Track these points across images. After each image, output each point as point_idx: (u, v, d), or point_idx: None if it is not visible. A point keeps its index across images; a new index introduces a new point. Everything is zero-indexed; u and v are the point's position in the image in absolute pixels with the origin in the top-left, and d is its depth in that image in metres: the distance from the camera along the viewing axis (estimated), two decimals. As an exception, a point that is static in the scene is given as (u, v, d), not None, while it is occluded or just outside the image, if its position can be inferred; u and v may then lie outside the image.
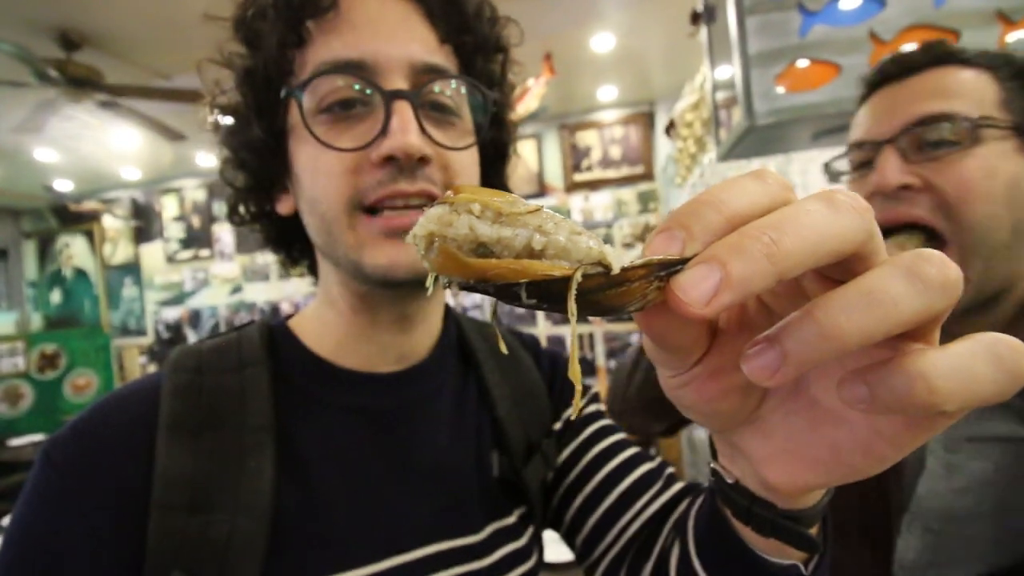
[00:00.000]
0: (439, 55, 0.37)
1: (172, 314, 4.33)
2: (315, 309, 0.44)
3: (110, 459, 0.33)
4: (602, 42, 2.54)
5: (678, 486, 0.46)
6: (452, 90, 0.38)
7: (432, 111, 0.37)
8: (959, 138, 0.47)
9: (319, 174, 0.36)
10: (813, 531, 0.26)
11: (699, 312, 0.15)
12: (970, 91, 0.48)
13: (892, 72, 0.52)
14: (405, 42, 0.36)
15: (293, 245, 0.44)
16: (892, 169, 0.48)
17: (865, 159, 0.52)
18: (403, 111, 0.35)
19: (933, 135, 0.47)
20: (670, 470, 0.48)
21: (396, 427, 0.42)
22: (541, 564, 0.47)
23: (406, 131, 0.34)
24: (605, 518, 0.45)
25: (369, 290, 0.39)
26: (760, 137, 1.00)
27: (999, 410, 0.50)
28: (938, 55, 0.51)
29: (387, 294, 0.39)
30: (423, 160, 0.35)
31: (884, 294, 0.15)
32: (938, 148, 0.47)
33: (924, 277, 0.15)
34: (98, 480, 0.32)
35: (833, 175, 0.56)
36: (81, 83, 2.18)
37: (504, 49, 0.43)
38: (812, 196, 0.16)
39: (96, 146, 3.37)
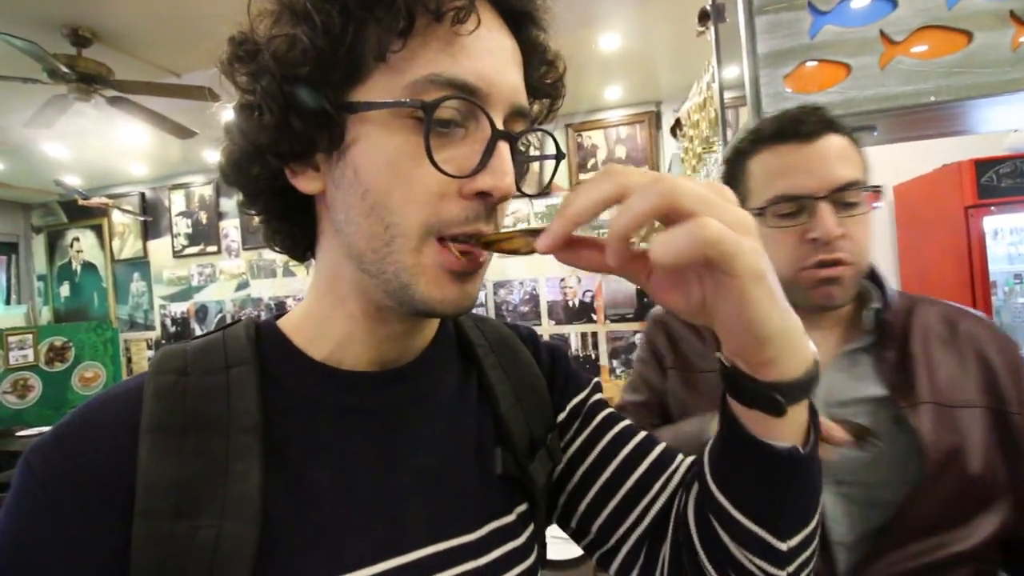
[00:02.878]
0: (525, 98, 0.38)
1: (179, 309, 4.37)
2: (309, 308, 0.41)
3: (92, 466, 0.32)
4: (608, 41, 2.53)
5: (689, 460, 0.47)
6: (537, 139, 0.39)
7: (516, 155, 0.37)
8: (860, 200, 0.64)
9: (405, 185, 0.33)
10: (800, 409, 0.33)
11: (541, 250, 0.31)
12: (856, 159, 0.65)
13: (803, 131, 0.65)
14: (510, 81, 0.36)
15: (296, 227, 0.41)
16: (832, 223, 0.62)
17: (799, 209, 0.65)
18: (504, 151, 0.34)
19: (851, 197, 0.63)
20: (680, 454, 0.49)
21: (391, 426, 0.41)
22: (541, 562, 0.47)
23: (507, 172, 0.34)
24: (624, 502, 0.46)
25: (386, 304, 0.37)
26: (768, 138, 1.00)
27: (864, 376, 0.66)
28: (827, 122, 0.66)
29: (399, 311, 0.38)
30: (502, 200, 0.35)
31: (627, 206, 0.30)
32: (851, 208, 0.64)
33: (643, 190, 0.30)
34: (80, 488, 0.31)
35: (755, 215, 0.67)
36: (91, 79, 2.20)
37: (560, 98, 0.44)
38: (597, 175, 0.30)
39: (105, 142, 3.39)
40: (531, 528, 0.46)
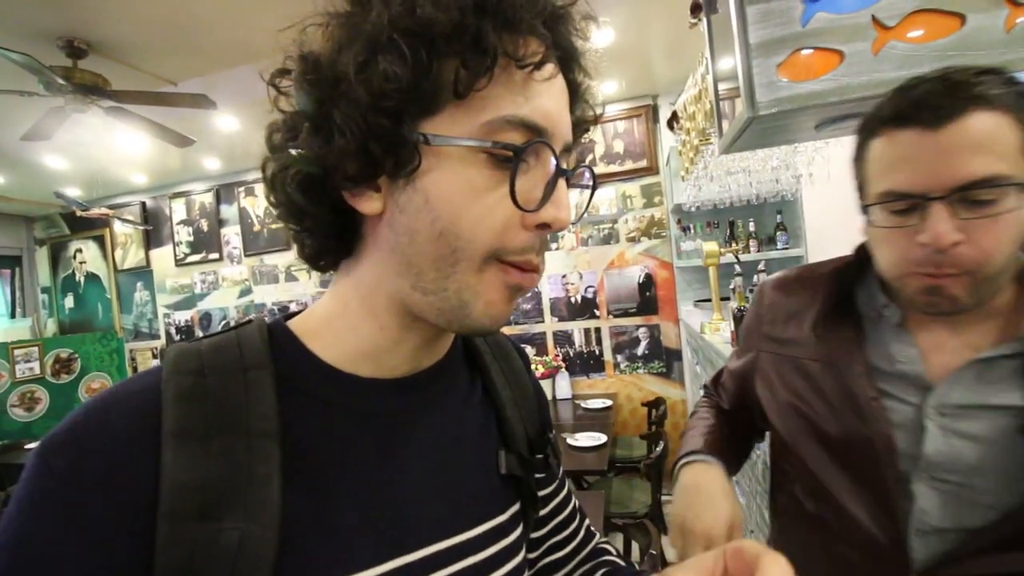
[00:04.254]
0: (571, 135, 0.41)
1: (183, 317, 4.39)
2: (331, 315, 0.42)
3: (113, 467, 0.32)
4: (603, 36, 2.53)
5: (591, 547, 0.61)
6: (584, 175, 0.43)
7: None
8: (997, 197, 0.52)
9: (477, 215, 0.36)
10: None
11: None
12: (1003, 144, 0.52)
13: (922, 115, 0.54)
14: (566, 120, 0.40)
15: (332, 241, 0.42)
16: (947, 229, 0.53)
17: (908, 208, 0.56)
18: (563, 187, 0.38)
19: (982, 195, 0.52)
20: (587, 522, 0.63)
21: (402, 430, 0.42)
22: (527, 561, 0.50)
23: (567, 206, 0.38)
24: (560, 544, 0.58)
25: (430, 319, 0.40)
26: (762, 128, 1.00)
27: (1000, 380, 0.59)
28: (965, 100, 0.52)
29: (442, 327, 0.41)
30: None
31: None
32: (981, 206, 0.53)
33: None
34: (101, 489, 0.31)
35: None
36: (88, 90, 2.20)
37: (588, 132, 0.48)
38: None
39: (105, 152, 3.41)
40: (521, 527, 0.49)
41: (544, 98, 0.37)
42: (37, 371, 3.47)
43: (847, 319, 0.69)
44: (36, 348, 3.48)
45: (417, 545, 0.39)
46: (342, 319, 0.41)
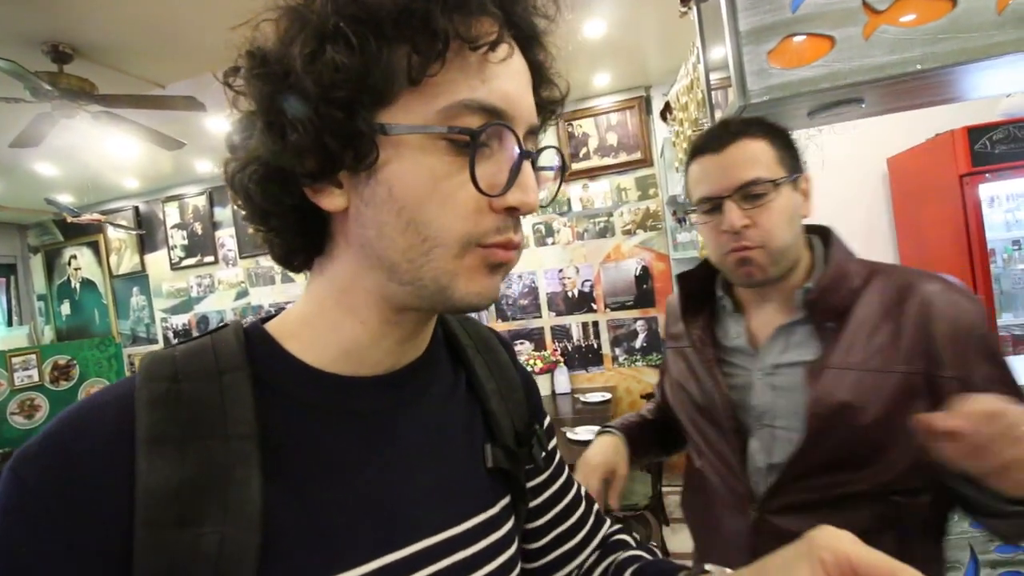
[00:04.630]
0: (536, 116, 0.40)
1: (180, 321, 4.37)
2: (308, 316, 0.41)
3: (87, 476, 0.32)
4: (594, 28, 2.51)
5: (602, 534, 0.60)
6: (550, 153, 0.41)
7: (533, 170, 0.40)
8: (766, 191, 0.75)
9: (442, 203, 0.35)
10: None
11: None
12: (763, 159, 0.76)
13: (711, 146, 0.79)
14: (528, 102, 0.38)
15: (299, 240, 0.41)
16: (736, 216, 0.76)
17: (713, 208, 0.79)
18: (528, 169, 0.37)
19: (752, 191, 0.75)
20: (596, 507, 0.62)
21: (386, 427, 0.41)
22: (520, 553, 0.50)
23: (533, 188, 0.37)
24: (566, 535, 0.56)
25: (413, 307, 0.39)
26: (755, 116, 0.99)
27: (800, 343, 0.78)
28: (735, 132, 0.78)
29: (425, 315, 0.41)
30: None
31: None
32: (756, 199, 0.75)
33: None
34: (76, 499, 0.31)
35: (683, 219, 0.96)
36: (75, 95, 2.18)
37: (557, 113, 0.46)
38: None
39: (95, 157, 3.38)
40: (512, 520, 0.48)
41: (501, 80, 0.36)
42: (36, 378, 3.45)
43: (704, 310, 0.90)
44: (34, 355, 3.46)
45: (405, 542, 0.39)
46: (320, 318, 0.41)
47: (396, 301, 0.39)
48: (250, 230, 0.43)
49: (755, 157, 0.76)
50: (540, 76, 0.41)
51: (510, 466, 0.48)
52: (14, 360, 3.37)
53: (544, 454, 0.56)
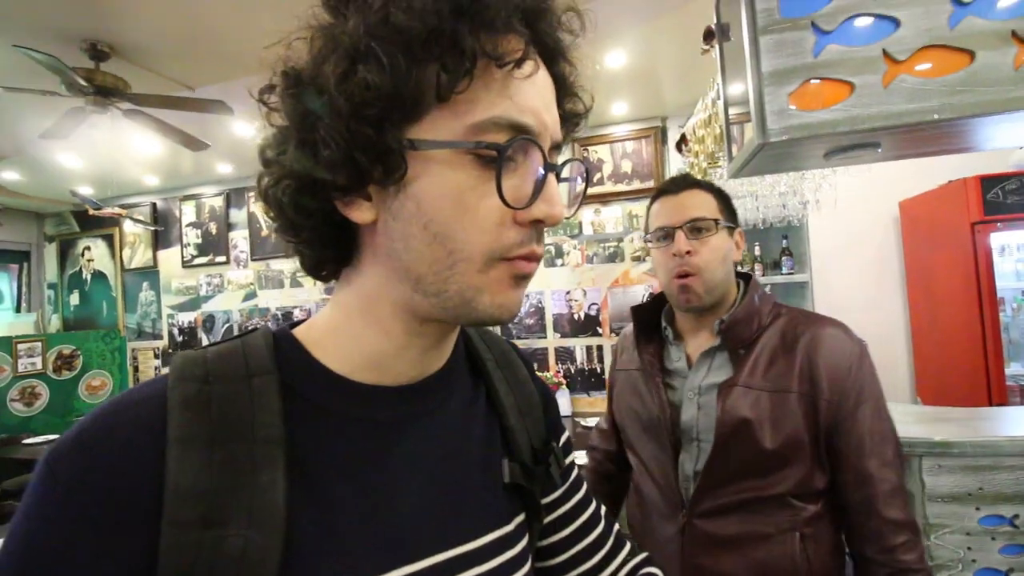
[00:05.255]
0: (560, 131, 0.41)
1: (187, 318, 4.40)
2: (334, 324, 0.42)
3: (119, 474, 0.32)
4: (615, 59, 2.57)
5: (622, 557, 0.59)
6: (574, 168, 0.43)
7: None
8: (708, 228, 0.96)
9: (469, 217, 0.36)
10: None
11: None
12: (708, 205, 0.98)
13: (670, 189, 1.02)
14: (553, 117, 0.39)
15: (329, 251, 0.41)
16: (683, 243, 0.95)
17: (666, 235, 0.99)
18: (553, 183, 0.38)
19: (698, 224, 0.96)
20: (616, 527, 0.61)
21: (405, 437, 0.42)
22: (534, 571, 0.50)
23: (558, 202, 0.38)
24: (585, 552, 0.56)
25: (438, 318, 0.40)
26: (772, 154, 1.01)
27: (719, 368, 0.95)
28: (690, 183, 1.01)
29: (451, 323, 0.42)
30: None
31: None
32: (700, 232, 0.96)
33: None
34: (107, 496, 0.32)
35: (646, 241, 1.06)
36: (108, 92, 2.24)
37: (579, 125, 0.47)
38: None
39: (119, 153, 3.45)
40: (527, 538, 0.48)
41: (527, 96, 0.37)
42: (39, 366, 3.47)
43: (654, 339, 1.07)
44: (39, 343, 3.49)
45: (421, 554, 0.39)
46: (346, 328, 0.41)
47: (421, 312, 0.40)
48: (274, 239, 0.43)
49: (703, 202, 0.98)
50: (564, 89, 0.42)
51: (526, 483, 0.48)
52: (20, 346, 3.40)
53: (561, 471, 0.55)
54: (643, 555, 0.61)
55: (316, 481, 0.37)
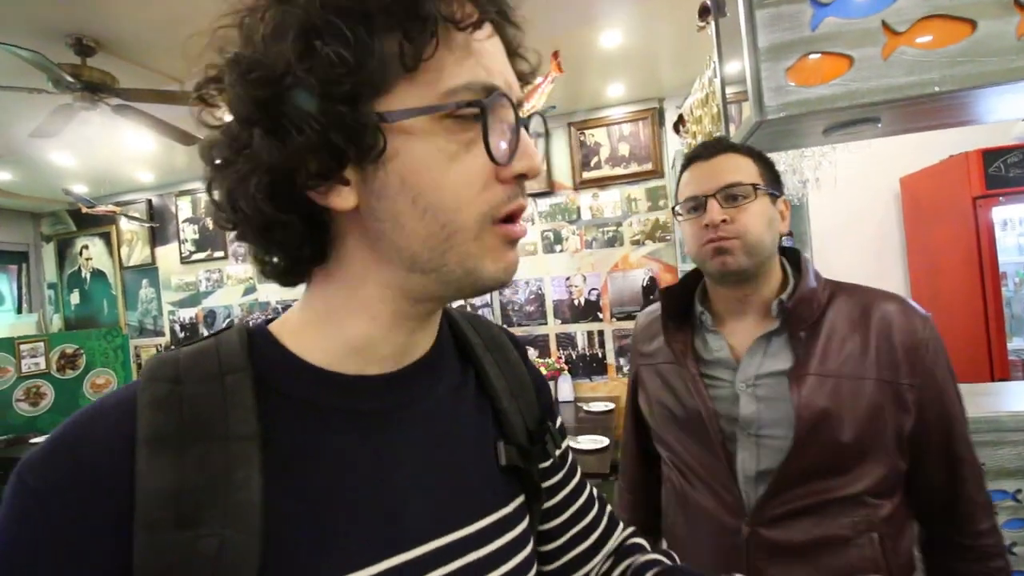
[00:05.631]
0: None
1: (188, 314, 4.40)
2: (313, 316, 0.41)
3: (89, 479, 0.32)
4: (610, 39, 2.53)
5: (616, 536, 0.60)
6: (536, 120, 0.43)
7: None
8: (746, 194, 0.84)
9: (454, 182, 0.36)
10: None
11: None
12: (746, 170, 0.85)
13: (702, 154, 0.89)
14: (513, 77, 0.40)
15: (312, 247, 0.40)
16: (716, 212, 0.83)
17: (697, 206, 0.87)
18: (527, 137, 0.39)
19: (734, 191, 0.84)
20: (609, 508, 0.62)
21: (391, 426, 0.41)
22: (536, 554, 0.50)
23: (535, 154, 0.39)
24: (579, 537, 0.56)
25: (434, 295, 0.40)
26: (770, 132, 0.99)
27: (777, 353, 0.83)
28: (725, 146, 0.89)
29: (445, 300, 0.42)
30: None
31: None
32: (736, 200, 0.84)
33: None
34: (78, 502, 0.31)
35: (675, 215, 0.93)
36: (96, 88, 2.21)
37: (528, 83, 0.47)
38: None
39: (112, 150, 3.42)
40: (527, 519, 0.48)
41: (490, 56, 0.37)
42: (43, 366, 3.48)
43: (684, 327, 0.93)
44: (42, 343, 3.49)
45: (415, 542, 0.39)
46: (326, 320, 0.40)
47: (416, 292, 0.39)
48: (240, 248, 0.41)
49: (739, 166, 0.86)
50: (512, 52, 0.42)
51: (524, 464, 0.48)
52: (22, 347, 3.40)
53: (559, 451, 0.56)
54: (631, 529, 0.62)
55: (298, 476, 0.36)
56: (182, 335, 4.41)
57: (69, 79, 2.09)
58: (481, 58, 0.36)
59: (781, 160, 2.05)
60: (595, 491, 0.61)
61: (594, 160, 3.47)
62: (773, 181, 0.88)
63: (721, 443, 0.84)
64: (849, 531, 0.78)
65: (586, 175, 3.49)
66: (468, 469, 0.44)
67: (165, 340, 4.47)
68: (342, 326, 0.40)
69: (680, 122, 2.35)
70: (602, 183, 3.48)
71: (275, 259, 0.40)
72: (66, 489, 0.31)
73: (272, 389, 0.38)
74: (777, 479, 0.79)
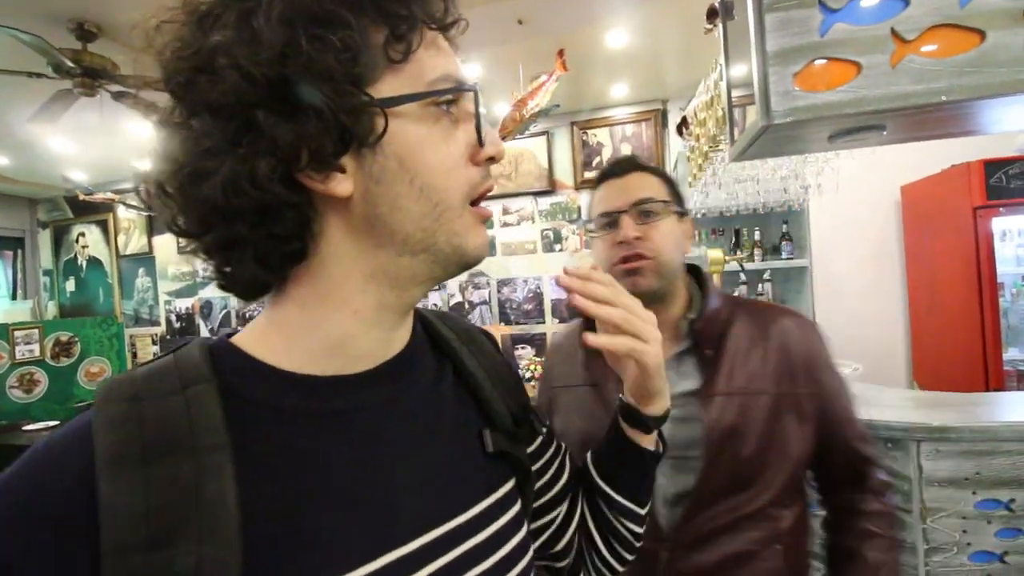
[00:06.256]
0: None
1: (184, 304, 4.38)
2: (283, 319, 0.40)
3: (50, 511, 0.30)
4: (615, 39, 2.52)
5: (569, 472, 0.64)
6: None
7: None
8: (657, 211, 0.87)
9: (442, 164, 0.39)
10: (657, 428, 0.60)
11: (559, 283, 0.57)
12: (657, 187, 0.90)
13: (615, 172, 0.93)
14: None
15: (299, 243, 0.38)
16: (630, 228, 0.86)
17: (611, 222, 0.89)
18: (488, 125, 0.43)
19: (646, 207, 0.87)
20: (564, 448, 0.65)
21: (370, 425, 0.40)
22: (531, 534, 0.51)
23: (499, 139, 0.43)
24: (560, 494, 0.61)
25: (421, 276, 0.42)
26: (776, 137, 0.99)
27: (687, 373, 0.86)
28: (636, 165, 0.93)
29: (431, 282, 0.44)
30: None
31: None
32: (648, 216, 0.87)
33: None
34: (38, 535, 0.30)
35: (588, 232, 0.95)
36: (96, 74, 2.20)
37: None
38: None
39: (111, 137, 3.40)
40: (519, 503, 0.49)
41: (449, 54, 0.41)
42: (37, 353, 3.46)
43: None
44: (37, 330, 3.47)
45: (408, 537, 0.39)
46: (299, 321, 0.39)
47: (404, 277, 0.41)
48: (200, 261, 0.39)
49: (651, 184, 0.90)
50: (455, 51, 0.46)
51: (512, 448, 0.49)
52: (16, 333, 3.38)
53: (545, 430, 0.60)
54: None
55: (276, 482, 0.35)
56: (178, 325, 4.39)
57: (69, 64, 2.07)
58: (447, 55, 0.41)
59: (784, 165, 2.05)
60: (568, 455, 0.65)
61: (596, 160, 3.47)
62: (679, 201, 0.92)
63: None
64: (757, 545, 0.81)
65: (588, 175, 3.48)
66: (455, 460, 0.45)
67: (161, 330, 4.45)
68: (319, 326, 0.39)
69: (683, 124, 2.35)
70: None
71: (244, 266, 0.38)
72: (24, 524, 0.30)
73: (240, 397, 0.37)
74: (693, 500, 0.81)
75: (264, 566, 0.33)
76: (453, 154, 0.40)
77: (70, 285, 4.73)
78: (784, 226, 2.88)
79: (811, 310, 2.71)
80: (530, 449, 0.56)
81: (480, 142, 0.42)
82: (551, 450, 0.60)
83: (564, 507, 0.61)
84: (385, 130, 0.36)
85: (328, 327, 0.40)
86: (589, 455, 0.63)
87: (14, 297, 4.67)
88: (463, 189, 0.41)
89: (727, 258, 2.40)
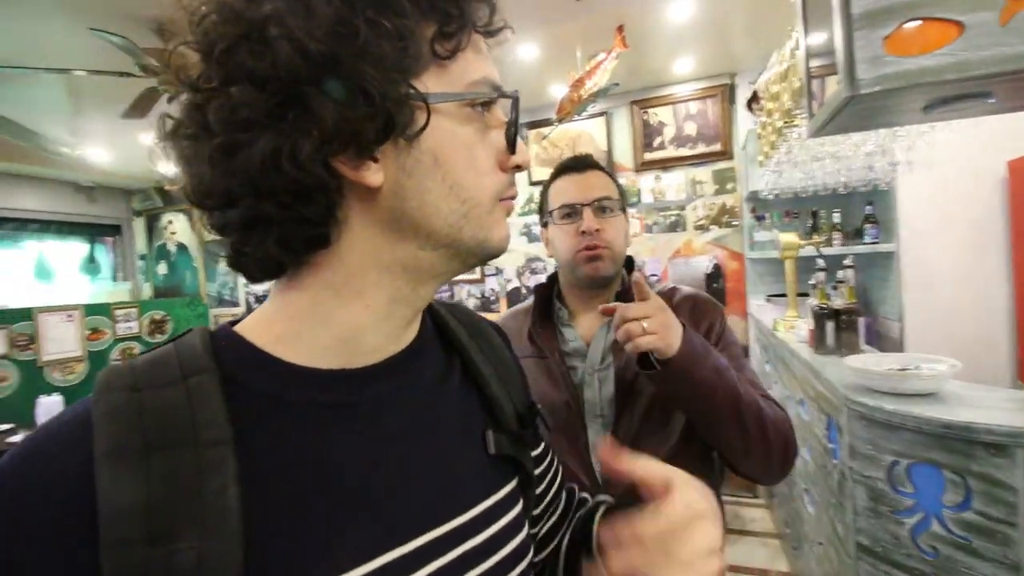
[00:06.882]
0: None
1: (262, 287, 4.67)
2: (290, 310, 0.39)
3: (47, 501, 0.30)
4: (679, 10, 2.39)
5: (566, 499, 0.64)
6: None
7: None
8: (613, 208, 1.00)
9: (476, 165, 0.40)
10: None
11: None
12: (611, 187, 1.02)
13: (574, 167, 1.03)
14: None
15: (325, 228, 0.37)
16: (592, 220, 0.97)
17: (572, 213, 1.00)
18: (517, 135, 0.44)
19: (604, 205, 0.99)
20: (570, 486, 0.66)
21: (374, 419, 0.40)
22: (532, 537, 0.51)
23: (526, 149, 0.44)
24: (552, 506, 0.61)
25: (439, 271, 0.42)
26: (862, 109, 0.89)
27: (612, 349, 0.95)
28: (593, 164, 1.04)
29: (448, 276, 0.44)
30: None
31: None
32: (605, 212, 0.99)
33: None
34: (35, 530, 0.29)
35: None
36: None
37: None
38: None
39: (193, 130, 3.63)
40: (521, 502, 0.48)
41: (488, 58, 0.41)
42: (135, 330, 3.81)
43: (548, 324, 1.04)
44: (135, 309, 3.82)
45: (407, 537, 0.38)
46: (310, 312, 0.39)
47: (423, 270, 0.41)
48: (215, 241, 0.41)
49: (607, 183, 1.02)
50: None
51: (514, 451, 0.48)
52: (117, 312, 3.73)
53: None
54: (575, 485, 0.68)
55: (278, 477, 0.35)
56: (256, 306, 4.69)
57: (153, 63, 2.22)
58: (487, 59, 0.41)
59: (869, 140, 1.87)
60: (556, 460, 0.64)
61: (657, 140, 3.33)
62: (624, 200, 1.07)
63: (582, 427, 0.95)
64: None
65: (648, 156, 3.36)
66: (457, 458, 0.44)
67: (241, 310, 4.77)
68: (330, 317, 0.39)
69: (754, 99, 2.20)
70: (665, 164, 3.34)
71: (264, 247, 0.36)
72: (21, 518, 0.29)
73: (243, 389, 0.36)
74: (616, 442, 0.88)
75: (266, 561, 0.32)
76: (485, 157, 0.41)
77: (162, 268, 5.16)
78: (868, 207, 2.65)
79: (898, 299, 2.49)
80: (535, 453, 0.55)
81: (512, 149, 0.42)
82: (550, 455, 0.60)
83: (554, 519, 0.61)
84: (427, 124, 0.36)
85: (338, 319, 0.39)
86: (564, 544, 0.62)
87: (115, 279, 5.17)
88: (494, 188, 0.42)
89: (802, 242, 2.24)
